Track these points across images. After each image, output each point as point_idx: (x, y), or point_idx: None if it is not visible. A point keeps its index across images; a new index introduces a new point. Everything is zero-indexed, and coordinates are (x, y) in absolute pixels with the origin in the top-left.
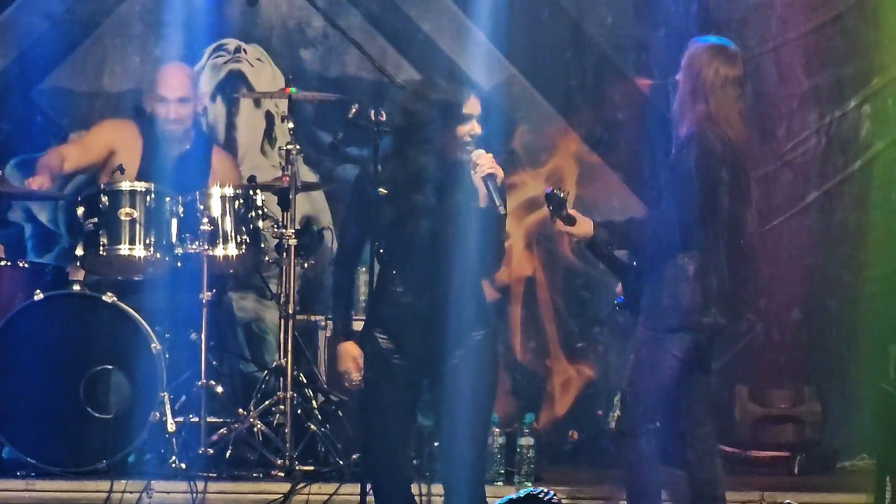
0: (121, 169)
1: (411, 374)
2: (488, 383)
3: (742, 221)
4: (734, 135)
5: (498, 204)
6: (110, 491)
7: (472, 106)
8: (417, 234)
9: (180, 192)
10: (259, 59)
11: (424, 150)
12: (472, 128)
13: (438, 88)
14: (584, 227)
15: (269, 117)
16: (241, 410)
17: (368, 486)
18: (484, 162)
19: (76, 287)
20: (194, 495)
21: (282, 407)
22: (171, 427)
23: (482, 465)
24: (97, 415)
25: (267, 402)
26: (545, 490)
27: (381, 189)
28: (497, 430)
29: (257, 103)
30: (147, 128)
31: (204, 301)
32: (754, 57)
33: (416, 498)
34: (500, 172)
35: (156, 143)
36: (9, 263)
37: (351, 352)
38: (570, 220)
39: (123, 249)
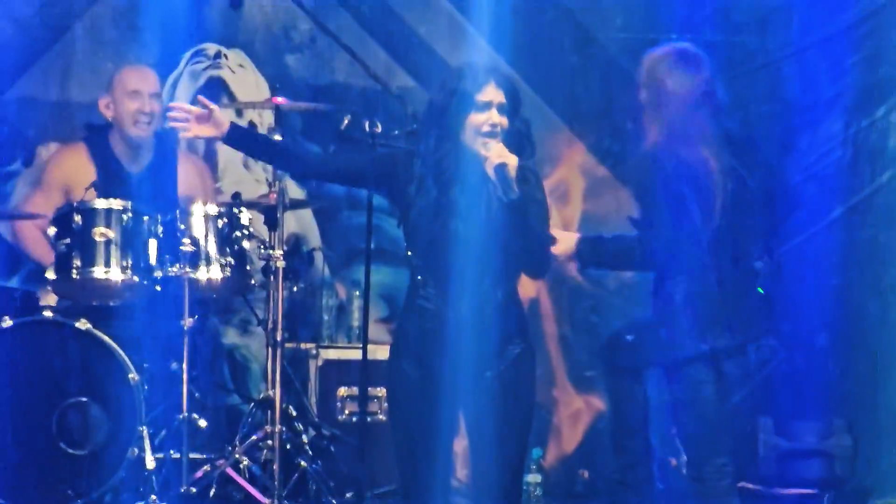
0: (95, 185)
1: (443, 395)
2: (525, 405)
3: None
4: (687, 154)
5: (508, 192)
6: None
7: (491, 94)
8: (444, 234)
9: (154, 210)
10: (241, 66)
11: (443, 142)
12: (489, 117)
13: (455, 75)
14: (566, 242)
15: (253, 128)
16: (228, 446)
17: None
18: (493, 152)
19: (47, 313)
20: None
21: (269, 442)
22: (150, 464)
23: (517, 499)
24: (71, 451)
25: (253, 437)
26: None
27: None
28: None
29: (239, 113)
30: (98, 148)
31: (186, 328)
32: (775, 62)
33: None
34: (511, 161)
35: (110, 162)
36: None
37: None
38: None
39: (98, 272)
